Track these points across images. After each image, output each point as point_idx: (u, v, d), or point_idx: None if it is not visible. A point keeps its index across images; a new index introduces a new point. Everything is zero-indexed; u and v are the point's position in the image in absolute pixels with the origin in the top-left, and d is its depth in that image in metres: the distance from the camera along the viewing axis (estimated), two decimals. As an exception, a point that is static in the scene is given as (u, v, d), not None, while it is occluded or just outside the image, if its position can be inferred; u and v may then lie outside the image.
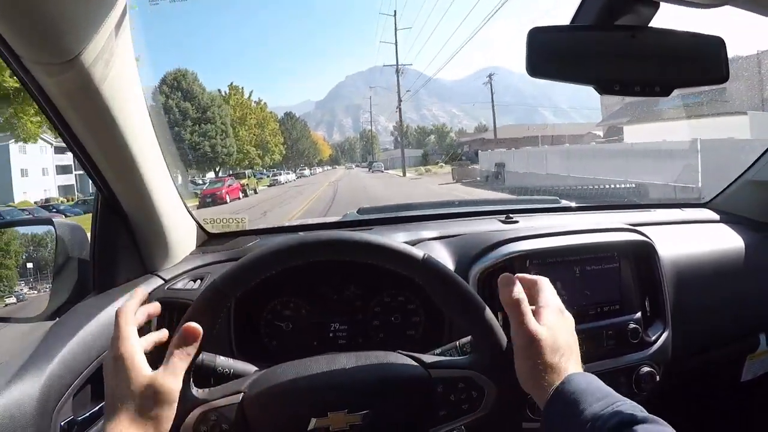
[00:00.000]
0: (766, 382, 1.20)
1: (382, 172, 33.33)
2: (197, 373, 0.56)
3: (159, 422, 0.49)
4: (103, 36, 0.60)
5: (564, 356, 0.52)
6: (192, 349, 0.52)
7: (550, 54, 0.65)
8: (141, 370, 0.50)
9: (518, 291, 0.55)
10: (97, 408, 0.68)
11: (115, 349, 0.51)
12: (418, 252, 0.57)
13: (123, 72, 0.68)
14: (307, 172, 36.04)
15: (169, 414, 0.50)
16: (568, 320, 0.57)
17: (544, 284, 0.59)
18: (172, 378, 0.51)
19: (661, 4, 0.66)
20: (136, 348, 0.51)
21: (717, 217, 1.26)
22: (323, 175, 33.55)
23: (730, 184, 1.29)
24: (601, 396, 0.47)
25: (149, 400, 0.49)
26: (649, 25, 0.67)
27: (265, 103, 36.16)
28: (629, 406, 0.45)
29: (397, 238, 0.93)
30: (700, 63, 0.69)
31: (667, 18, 0.68)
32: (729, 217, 1.25)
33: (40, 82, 0.61)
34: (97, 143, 0.72)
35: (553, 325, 0.54)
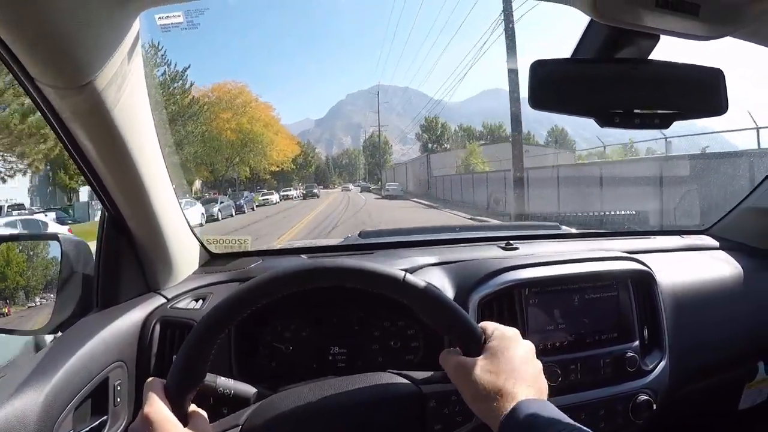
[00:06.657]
0: (764, 410, 1.20)
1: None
2: (197, 395, 0.55)
3: None
4: (116, 62, 0.61)
5: (509, 379, 0.50)
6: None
7: (552, 86, 0.65)
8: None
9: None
10: (96, 423, 0.68)
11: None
12: (398, 272, 0.57)
13: (134, 95, 0.70)
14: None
15: None
16: (523, 346, 0.55)
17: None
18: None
19: (661, 36, 0.67)
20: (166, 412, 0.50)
21: (716, 243, 1.27)
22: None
23: (730, 211, 1.30)
24: (549, 423, 0.46)
25: None
26: (649, 57, 0.68)
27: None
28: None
29: (397, 265, 0.93)
30: (700, 94, 0.68)
31: (667, 50, 0.69)
32: (728, 244, 1.26)
33: (52, 103, 0.62)
34: (106, 163, 0.73)
35: (496, 349, 0.53)
